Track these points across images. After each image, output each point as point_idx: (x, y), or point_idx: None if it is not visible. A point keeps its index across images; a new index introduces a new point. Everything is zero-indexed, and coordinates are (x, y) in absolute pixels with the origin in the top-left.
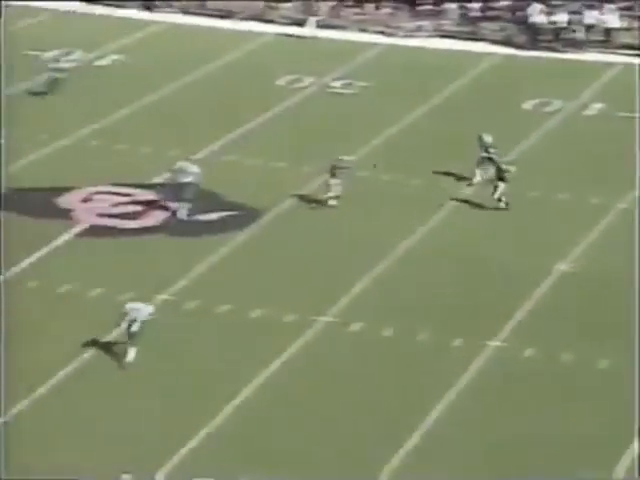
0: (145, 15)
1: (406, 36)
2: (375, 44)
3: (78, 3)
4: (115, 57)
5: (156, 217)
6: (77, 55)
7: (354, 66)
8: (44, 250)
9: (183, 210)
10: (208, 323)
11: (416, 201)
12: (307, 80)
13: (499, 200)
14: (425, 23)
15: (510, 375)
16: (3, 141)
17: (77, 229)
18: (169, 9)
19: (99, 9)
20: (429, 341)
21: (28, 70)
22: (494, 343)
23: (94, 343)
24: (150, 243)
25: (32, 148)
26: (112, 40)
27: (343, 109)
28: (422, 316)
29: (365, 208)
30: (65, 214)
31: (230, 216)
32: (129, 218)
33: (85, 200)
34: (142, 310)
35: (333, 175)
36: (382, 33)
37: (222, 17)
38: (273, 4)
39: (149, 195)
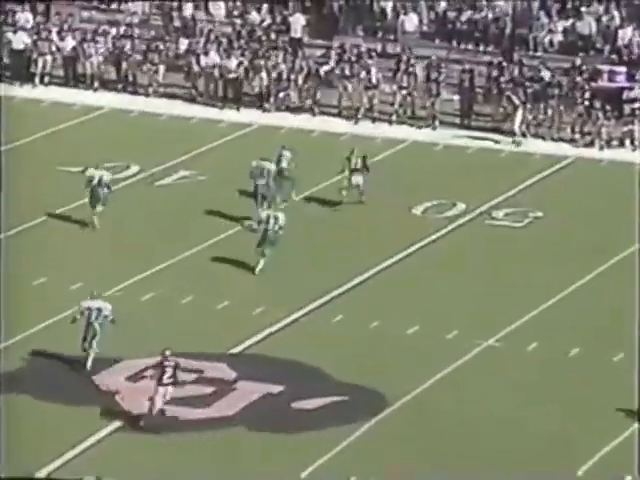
0: (228, 115)
1: (605, 146)
2: (560, 156)
3: (129, 97)
4: (185, 173)
5: (233, 402)
6: (132, 171)
7: (526, 188)
8: (75, 451)
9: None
10: None
11: None
12: (458, 207)
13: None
14: (634, 128)
15: None
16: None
17: (121, 420)
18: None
19: (161, 105)
20: None
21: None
22: None
23: None
24: (226, 440)
25: (59, 296)
26: (180, 149)
27: (507, 251)
28: None
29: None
30: (106, 399)
31: (341, 402)
32: (196, 404)
33: (134, 378)
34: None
35: None
36: (571, 141)
37: (340, 115)
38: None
39: (223, 371)
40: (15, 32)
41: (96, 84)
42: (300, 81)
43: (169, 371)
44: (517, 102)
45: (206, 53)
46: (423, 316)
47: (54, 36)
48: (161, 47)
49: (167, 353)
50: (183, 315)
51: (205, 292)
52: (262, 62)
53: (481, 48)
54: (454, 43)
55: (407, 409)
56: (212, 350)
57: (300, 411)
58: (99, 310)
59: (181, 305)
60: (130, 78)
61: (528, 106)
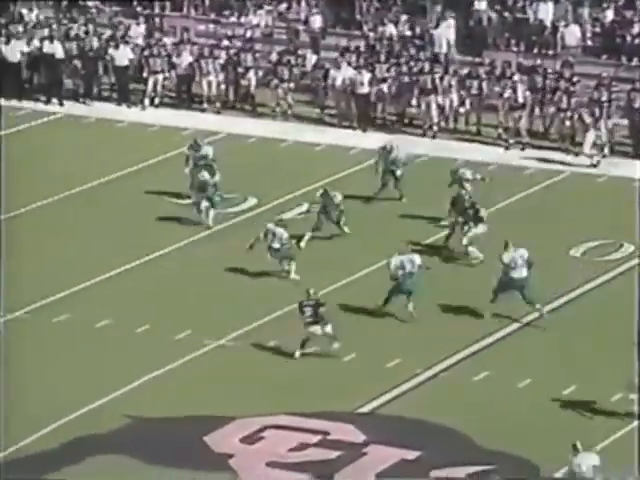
0: (360, 140)
1: None
2: None
3: (248, 120)
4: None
5: (363, 470)
6: (249, 204)
7: None
8: None
9: None
10: None
11: None
12: (625, 249)
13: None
14: None
15: None
16: None
17: None
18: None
19: (286, 129)
20: None
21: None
22: None
23: None
24: None
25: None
26: (304, 180)
27: None
28: None
29: None
30: (220, 462)
31: (489, 473)
32: (319, 471)
33: (250, 440)
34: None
35: None
36: None
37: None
38: None
39: (351, 433)
40: (117, 47)
41: (217, 105)
42: (449, 103)
43: (308, 310)
44: (588, 120)
45: (337, 67)
46: (581, 375)
47: (169, 51)
48: (292, 61)
49: (311, 292)
50: (304, 369)
51: (331, 343)
52: (406, 79)
53: None
54: (623, 59)
55: None
56: (338, 408)
57: None
58: (274, 234)
59: (302, 358)
60: (250, 99)
61: None
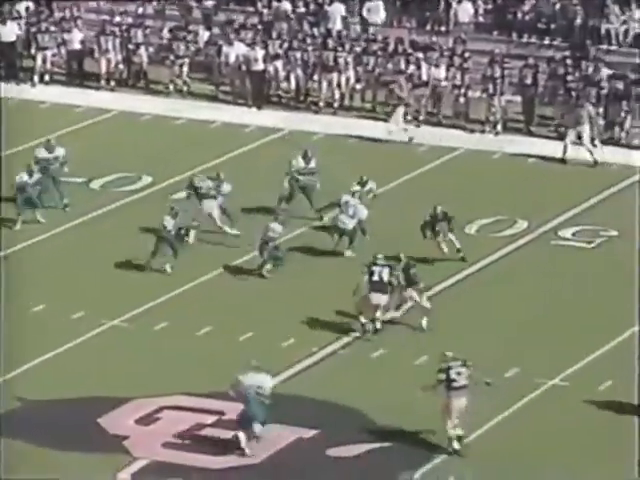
0: (256, 118)
1: None
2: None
3: (142, 97)
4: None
5: (259, 449)
6: (143, 183)
7: (599, 203)
8: None
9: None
10: None
11: None
12: (519, 225)
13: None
14: None
15: None
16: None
17: (133, 468)
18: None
19: (179, 107)
20: None
21: None
22: None
23: None
24: None
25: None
26: (198, 158)
27: (576, 274)
28: None
29: None
30: (114, 444)
31: (385, 450)
32: (215, 451)
33: (145, 421)
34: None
35: None
36: None
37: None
38: None
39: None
40: (4, 22)
41: (112, 84)
42: (344, 80)
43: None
44: (403, 95)
45: (230, 44)
46: (476, 352)
47: (59, 27)
48: (188, 37)
49: (401, 255)
50: (200, 347)
51: (226, 321)
52: (297, 55)
53: (546, 41)
54: (514, 36)
55: (455, 460)
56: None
57: (337, 459)
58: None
59: (198, 336)
60: (142, 75)
61: (600, 109)
